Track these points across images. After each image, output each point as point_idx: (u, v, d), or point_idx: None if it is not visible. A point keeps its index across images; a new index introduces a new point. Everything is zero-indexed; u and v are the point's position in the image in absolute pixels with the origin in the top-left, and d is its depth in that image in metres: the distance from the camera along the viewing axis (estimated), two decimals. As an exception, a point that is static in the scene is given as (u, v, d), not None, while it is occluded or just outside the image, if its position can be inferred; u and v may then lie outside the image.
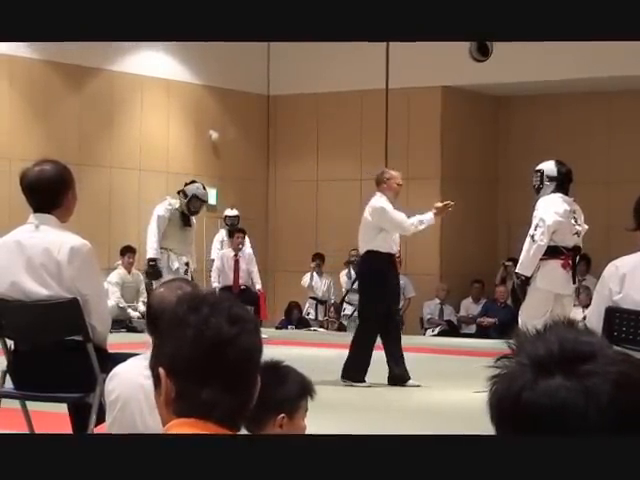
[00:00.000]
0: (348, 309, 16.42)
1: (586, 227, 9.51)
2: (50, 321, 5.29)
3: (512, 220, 17.66)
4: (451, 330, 16.31)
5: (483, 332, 15.86)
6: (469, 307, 16.70)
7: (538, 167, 9.54)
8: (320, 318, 16.63)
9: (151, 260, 11.47)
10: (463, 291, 16.86)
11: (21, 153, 14.14)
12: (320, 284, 16.61)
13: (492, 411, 1.47)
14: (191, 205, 11.33)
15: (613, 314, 5.79)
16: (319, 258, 16.62)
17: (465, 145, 17.02)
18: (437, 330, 16.38)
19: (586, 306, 14.70)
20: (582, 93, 16.54)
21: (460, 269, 16.87)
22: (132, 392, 3.82)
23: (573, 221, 9.29)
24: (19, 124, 15.12)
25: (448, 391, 9.55)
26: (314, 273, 16.55)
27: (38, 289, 5.27)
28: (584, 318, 15.71)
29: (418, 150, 16.76)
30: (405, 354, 11.00)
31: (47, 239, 5.28)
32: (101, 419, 5.23)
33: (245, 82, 17.54)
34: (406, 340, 10.88)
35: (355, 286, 16.58)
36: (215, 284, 14.14)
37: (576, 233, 9.32)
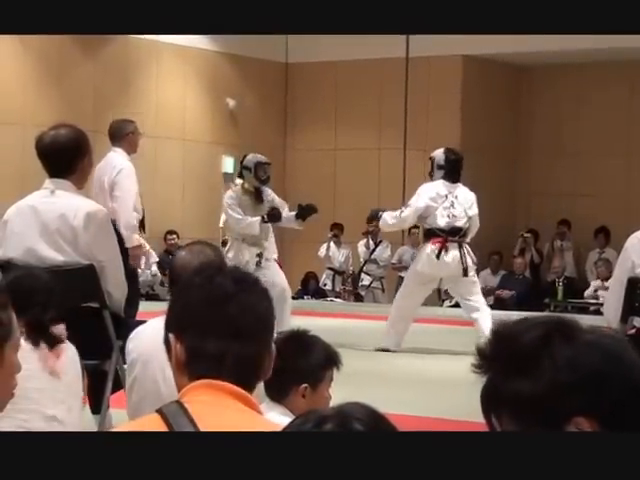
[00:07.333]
0: (366, 280, 16.31)
1: (475, 211, 10.18)
2: (66, 287, 5.20)
3: (531, 191, 17.53)
4: (468, 301, 16.18)
5: (501, 304, 15.75)
6: (487, 279, 16.59)
7: (431, 155, 10.20)
8: (337, 289, 16.53)
9: (272, 209, 10.34)
10: (481, 262, 16.69)
11: (35, 119, 14.02)
12: (338, 254, 16.49)
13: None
14: (259, 173, 10.42)
15: (635, 285, 5.77)
16: (337, 228, 16.49)
17: (485, 115, 16.85)
18: (454, 301, 16.26)
19: (605, 279, 14.57)
20: (604, 62, 16.34)
21: (478, 240, 16.70)
22: (153, 349, 3.74)
23: (449, 204, 9.87)
24: (33, 90, 15.01)
25: (465, 362, 9.45)
26: (331, 243, 16.43)
27: (54, 255, 5.20)
28: (595, 290, 15.68)
29: (438, 119, 16.61)
30: (422, 325, 10.91)
31: (63, 204, 5.21)
32: (117, 387, 5.18)
33: (263, 49, 17.37)
34: (423, 311, 10.80)
35: (373, 256, 16.49)
36: (231, 253, 14.01)
37: (452, 216, 9.93)
